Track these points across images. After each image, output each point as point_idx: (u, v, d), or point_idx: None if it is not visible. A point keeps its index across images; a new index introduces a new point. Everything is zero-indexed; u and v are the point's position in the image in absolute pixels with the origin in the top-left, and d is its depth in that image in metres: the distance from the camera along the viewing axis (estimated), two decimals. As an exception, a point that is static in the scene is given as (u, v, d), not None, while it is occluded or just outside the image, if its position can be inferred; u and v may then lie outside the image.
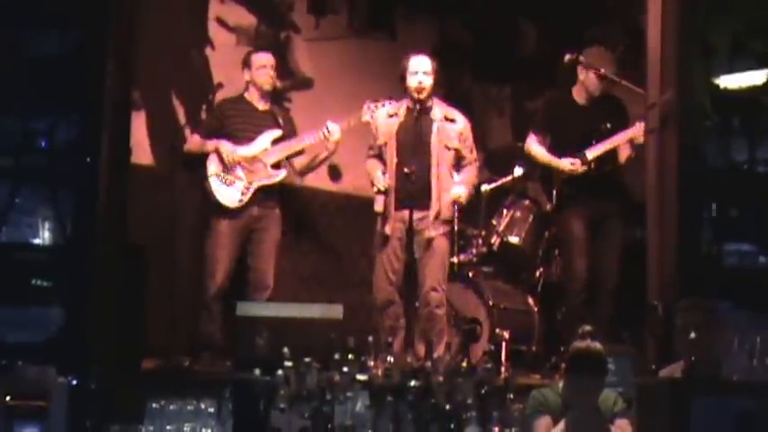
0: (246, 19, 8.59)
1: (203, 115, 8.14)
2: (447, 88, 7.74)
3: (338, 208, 8.79)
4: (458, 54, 9.06)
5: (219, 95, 8.19)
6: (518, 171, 8.09)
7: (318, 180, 8.66)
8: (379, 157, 7.41)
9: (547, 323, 7.89)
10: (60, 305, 6.18)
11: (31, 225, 6.43)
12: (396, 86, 7.48)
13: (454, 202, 7.23)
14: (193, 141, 7.77)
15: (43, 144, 6.42)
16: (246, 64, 7.79)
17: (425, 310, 7.28)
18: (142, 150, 7.84)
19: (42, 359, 5.96)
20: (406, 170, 7.16)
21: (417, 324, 7.35)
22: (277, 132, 7.75)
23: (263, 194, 7.66)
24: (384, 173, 7.30)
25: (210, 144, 7.64)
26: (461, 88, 9.09)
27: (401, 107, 7.43)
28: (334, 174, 8.81)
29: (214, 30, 8.45)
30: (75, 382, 5.81)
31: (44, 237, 6.46)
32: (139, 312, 6.77)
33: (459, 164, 7.41)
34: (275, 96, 8.07)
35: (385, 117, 7.45)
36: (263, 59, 7.78)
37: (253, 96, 7.78)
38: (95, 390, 5.85)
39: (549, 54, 8.57)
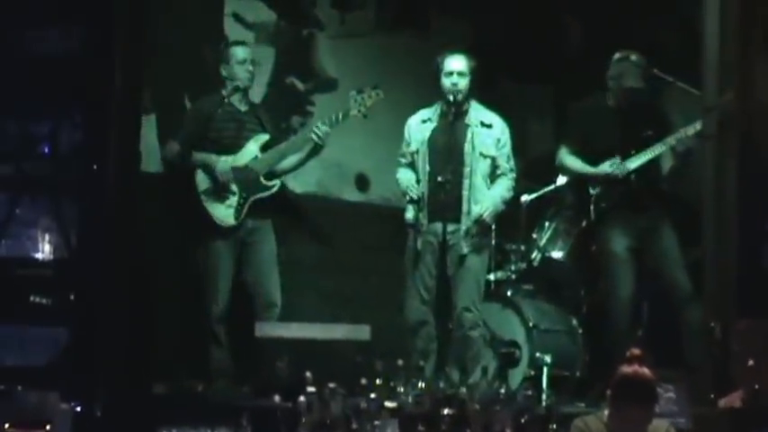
0: (266, 15, 8.57)
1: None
2: (482, 90, 7.65)
3: (365, 220, 8.74)
4: (495, 52, 9.00)
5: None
6: (561, 180, 8.03)
7: (344, 190, 8.65)
8: (411, 166, 7.37)
9: (592, 346, 7.82)
10: (63, 325, 6.18)
11: (31, 238, 6.43)
12: (428, 87, 7.44)
13: (477, 222, 7.19)
14: (172, 151, 7.60)
15: (45, 150, 6.42)
16: (224, 59, 7.64)
17: (459, 333, 7.25)
18: (152, 157, 7.81)
19: (44, 383, 5.96)
20: (439, 179, 7.12)
21: (451, 347, 7.30)
22: (264, 137, 7.62)
23: (257, 205, 7.55)
24: (418, 181, 7.26)
25: (198, 156, 7.50)
26: (498, 90, 9.02)
27: (435, 111, 7.38)
28: (361, 183, 8.79)
29: (230, 27, 8.42)
30: (79, 409, 5.82)
31: (46, 250, 6.45)
32: (149, 332, 6.76)
33: (494, 173, 7.37)
34: (297, 98, 8.02)
35: (417, 122, 7.42)
36: (242, 53, 7.61)
37: (233, 96, 7.61)
38: (101, 417, 5.85)
39: (594, 51, 8.51)
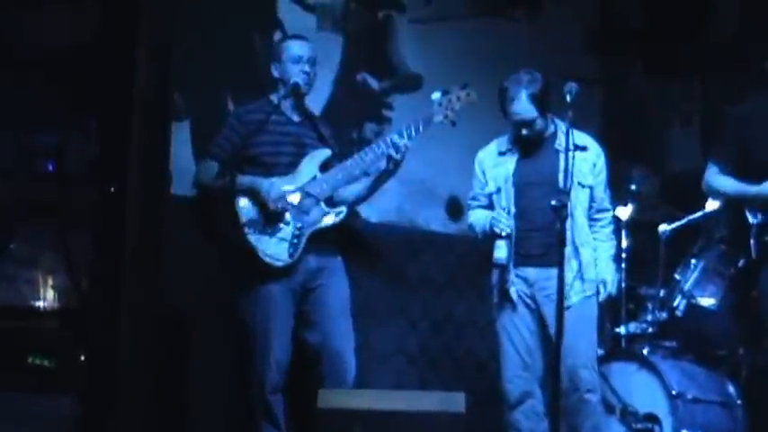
0: (331, -7, 8.60)
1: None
2: (611, 87, 7.58)
3: (459, 257, 8.74)
4: (625, 39, 8.94)
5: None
6: (711, 205, 7.95)
7: (431, 218, 8.61)
8: (489, 208, 7.34)
9: (757, 421, 7.72)
10: (71, 393, 6.20)
11: (31, 280, 6.47)
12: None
13: (601, 293, 7.26)
14: (209, 174, 7.40)
15: (49, 167, 6.47)
16: (275, 56, 7.60)
17: (573, 396, 7.18)
18: (185, 176, 7.74)
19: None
20: (530, 226, 7.12)
21: (564, 418, 7.21)
22: (325, 152, 7.54)
23: (320, 238, 7.46)
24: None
25: (243, 180, 7.37)
26: (630, 86, 8.96)
27: (511, 139, 7.34)
28: (453, 209, 8.73)
29: (285, 9, 8.45)
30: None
31: (49, 297, 6.50)
32: (180, 401, 6.74)
33: (591, 208, 7.38)
34: (371, 100, 7.99)
35: (493, 156, 7.41)
36: (298, 49, 7.55)
37: (284, 102, 7.55)
38: None
39: (754, 36, 8.48)
